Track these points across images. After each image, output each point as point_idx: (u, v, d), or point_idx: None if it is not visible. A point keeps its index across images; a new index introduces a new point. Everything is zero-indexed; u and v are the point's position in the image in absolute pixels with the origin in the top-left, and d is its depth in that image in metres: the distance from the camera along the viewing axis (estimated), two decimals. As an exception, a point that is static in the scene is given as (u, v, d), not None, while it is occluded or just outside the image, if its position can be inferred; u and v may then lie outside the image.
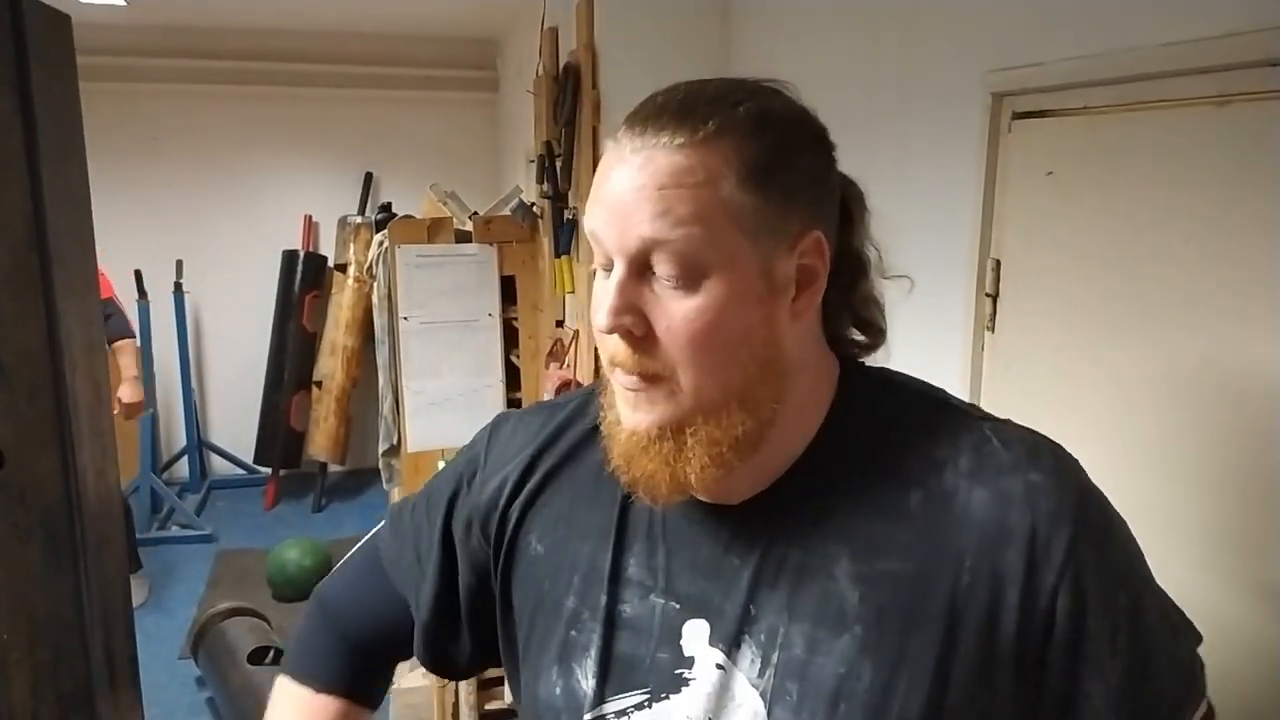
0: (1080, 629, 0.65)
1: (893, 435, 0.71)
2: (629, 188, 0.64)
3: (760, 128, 0.65)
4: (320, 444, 5.08)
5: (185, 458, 5.24)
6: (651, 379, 0.66)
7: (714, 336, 0.64)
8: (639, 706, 0.72)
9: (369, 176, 5.34)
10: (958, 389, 1.46)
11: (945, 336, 1.49)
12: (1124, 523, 0.70)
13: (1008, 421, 0.74)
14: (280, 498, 5.19)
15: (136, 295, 4.72)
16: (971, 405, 0.77)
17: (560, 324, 2.79)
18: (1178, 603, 0.73)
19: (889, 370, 0.78)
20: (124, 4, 4.00)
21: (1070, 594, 0.65)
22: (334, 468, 5.28)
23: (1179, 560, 1.08)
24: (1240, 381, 1.00)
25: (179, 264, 4.95)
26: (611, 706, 0.73)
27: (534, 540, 0.81)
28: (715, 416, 0.67)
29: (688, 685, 0.71)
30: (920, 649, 0.65)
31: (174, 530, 4.70)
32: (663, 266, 0.64)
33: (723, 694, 0.69)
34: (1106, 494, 0.71)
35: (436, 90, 5.26)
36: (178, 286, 4.97)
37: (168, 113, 5.06)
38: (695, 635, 0.72)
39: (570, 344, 2.58)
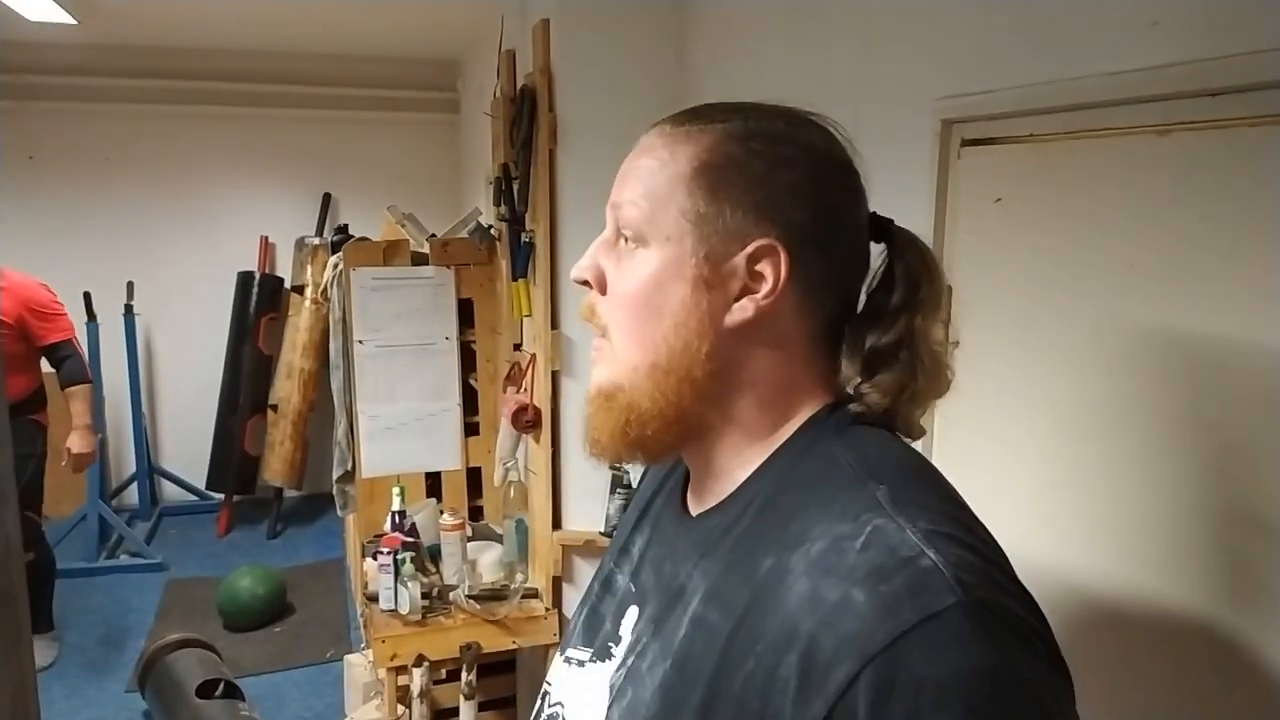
0: None
1: (800, 494, 0.67)
2: (628, 161, 0.74)
3: (737, 139, 0.70)
4: (276, 469, 4.99)
5: (135, 484, 5.11)
6: (599, 341, 0.75)
7: (639, 300, 0.71)
8: (582, 663, 0.81)
9: (327, 197, 5.29)
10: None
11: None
12: (1017, 705, 0.54)
13: (927, 524, 0.59)
14: (234, 524, 5.08)
15: (86, 318, 4.62)
16: (903, 488, 0.63)
17: (518, 347, 2.76)
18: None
19: (861, 437, 0.69)
20: (75, 22, 3.93)
21: None
22: (290, 493, 5.18)
23: (1124, 576, 1.08)
24: (1183, 404, 1.01)
25: (130, 285, 4.85)
26: (575, 654, 0.83)
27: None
28: (634, 384, 0.71)
29: (610, 658, 0.78)
30: (688, 704, 0.64)
31: (123, 559, 4.57)
32: (615, 230, 0.73)
33: (610, 675, 0.76)
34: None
35: (396, 111, 5.23)
36: (129, 309, 4.86)
37: (120, 132, 4.98)
38: (629, 620, 0.78)
39: (528, 368, 2.55)
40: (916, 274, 0.74)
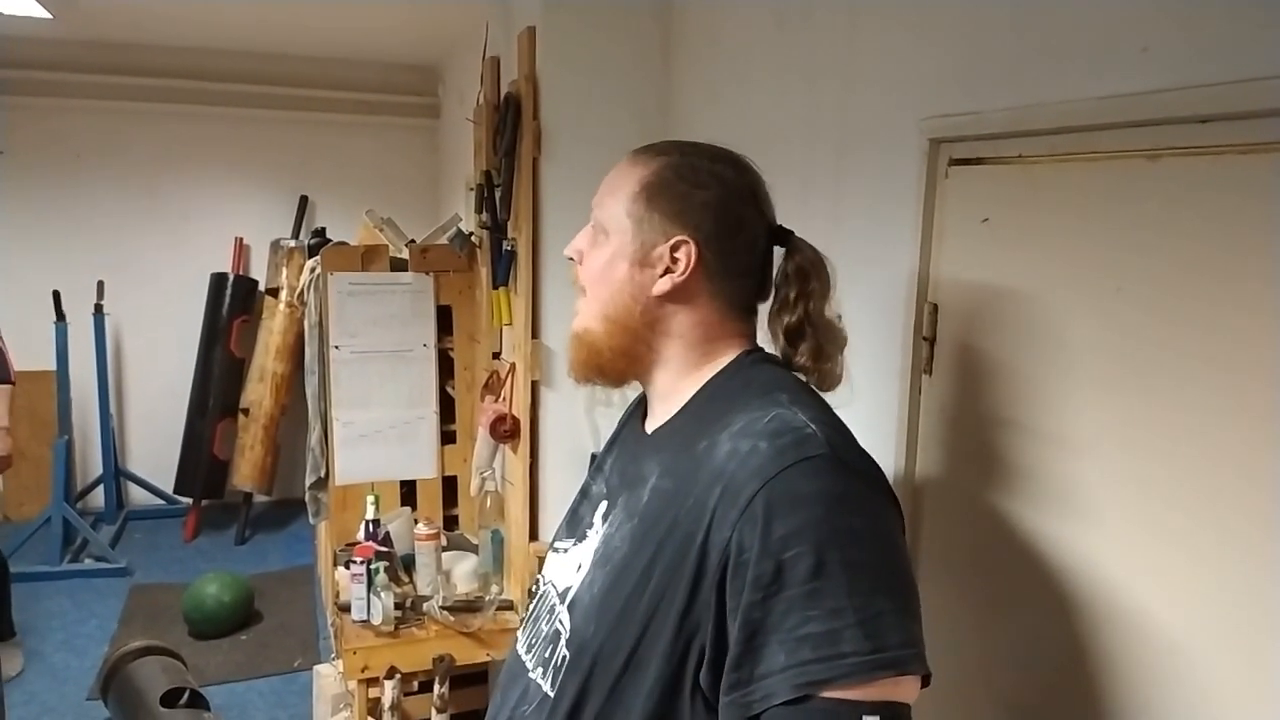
0: (741, 564, 0.83)
1: (724, 404, 0.98)
2: (608, 175, 1.07)
3: (671, 168, 1.03)
4: (245, 473, 4.92)
5: (101, 487, 5.02)
6: (583, 297, 1.07)
7: (600, 271, 1.04)
8: (566, 550, 1.11)
9: (304, 200, 5.24)
10: (894, 429, 1.46)
11: (883, 380, 1.49)
12: (858, 515, 0.85)
13: (812, 415, 0.91)
14: (201, 529, 5.01)
15: (55, 317, 4.54)
16: (798, 398, 0.95)
17: (497, 356, 2.74)
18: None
19: (771, 369, 1.03)
20: (50, 17, 3.86)
21: (743, 533, 0.83)
22: (259, 498, 5.11)
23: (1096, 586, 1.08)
24: (1168, 429, 1.01)
25: (100, 285, 4.78)
26: (560, 545, 1.14)
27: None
28: (596, 329, 1.05)
29: (585, 540, 1.08)
30: (651, 539, 0.93)
31: (87, 563, 4.48)
32: (594, 223, 1.06)
33: (590, 548, 1.05)
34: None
35: (376, 115, 5.20)
36: (98, 308, 4.79)
37: (94, 129, 4.91)
38: (599, 511, 1.09)
39: (507, 376, 2.53)
40: (807, 270, 1.05)
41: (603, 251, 1.03)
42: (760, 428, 0.90)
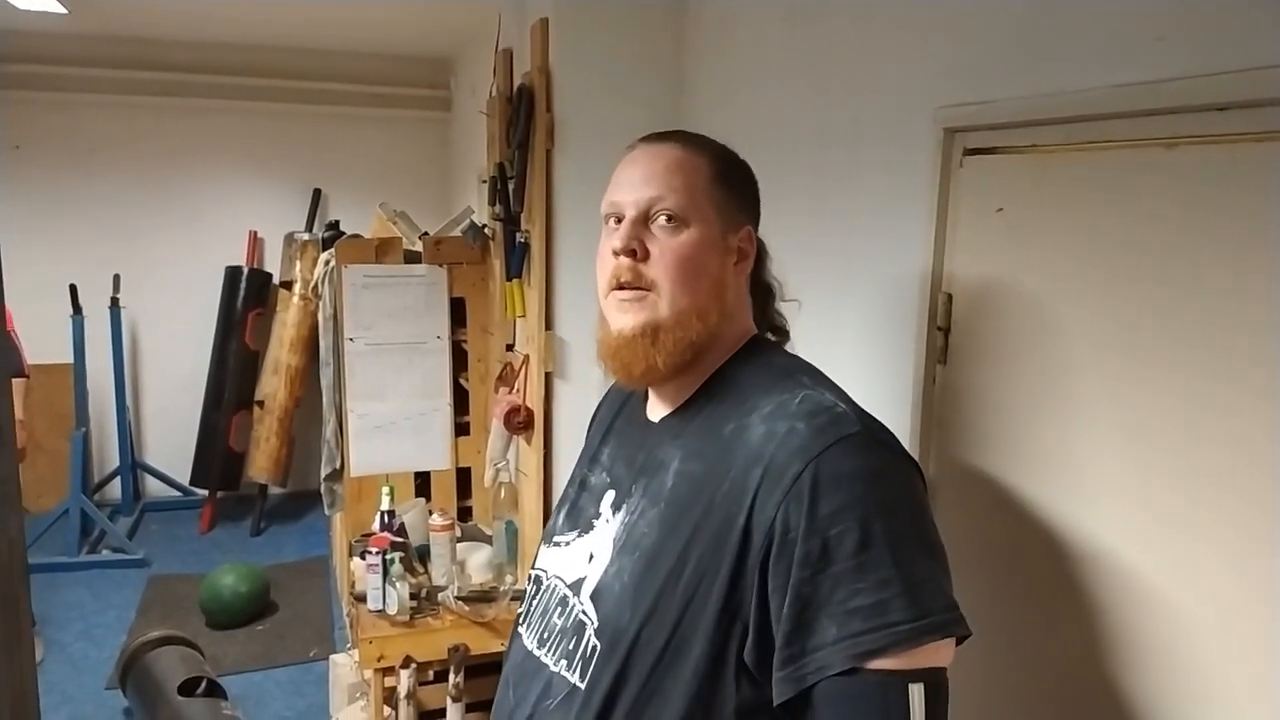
0: (787, 542, 0.86)
1: (746, 386, 1.01)
2: (646, 166, 1.02)
3: (724, 155, 1.07)
4: (261, 465, 4.95)
5: (118, 479, 5.06)
6: (641, 292, 1.00)
7: (689, 261, 1.00)
8: (568, 543, 1.12)
9: (317, 193, 5.26)
10: (909, 419, 1.46)
11: (898, 368, 1.49)
12: (895, 488, 0.89)
13: (836, 395, 0.95)
14: (217, 521, 5.04)
15: (71, 310, 4.58)
16: (818, 380, 1.00)
17: (510, 348, 2.75)
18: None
19: (783, 352, 1.10)
20: (65, 11, 3.89)
21: (789, 512, 0.86)
22: (274, 490, 5.14)
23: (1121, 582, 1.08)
24: (1184, 419, 1.01)
25: (116, 278, 4.81)
26: (560, 539, 1.14)
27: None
28: (681, 321, 1.00)
29: (593, 530, 1.08)
30: (685, 523, 0.95)
31: (104, 554, 4.52)
32: (661, 216, 1.00)
33: (605, 537, 1.05)
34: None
35: (388, 108, 5.20)
36: (114, 301, 4.82)
37: (108, 124, 4.93)
38: (607, 501, 1.09)
39: (520, 368, 2.54)
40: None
41: (684, 239, 0.99)
42: (794, 409, 0.92)
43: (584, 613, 1.02)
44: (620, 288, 1.01)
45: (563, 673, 1.01)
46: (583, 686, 0.98)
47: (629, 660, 0.94)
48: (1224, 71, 0.94)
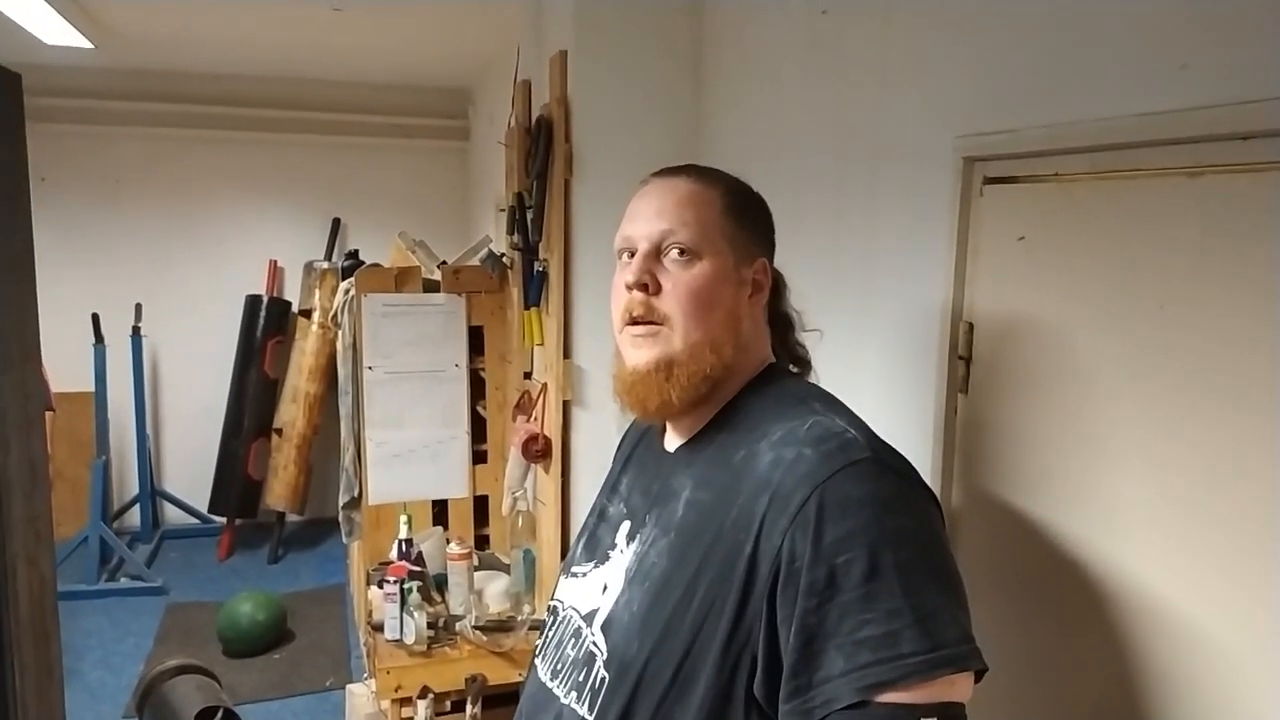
0: (793, 571, 0.84)
1: (757, 414, 1.00)
2: (658, 200, 1.03)
3: (737, 188, 1.08)
4: (279, 493, 4.97)
5: (137, 506, 5.08)
6: (654, 327, 1.00)
7: (701, 294, 0.99)
8: (585, 574, 1.11)
9: (336, 222, 5.31)
10: (930, 449, 1.45)
11: (919, 398, 1.48)
12: (906, 516, 0.86)
13: (847, 421, 0.94)
14: (235, 548, 5.06)
15: (94, 339, 4.62)
16: (831, 405, 0.99)
17: (528, 376, 2.75)
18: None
19: (797, 379, 1.11)
20: (91, 46, 3.96)
21: (795, 540, 0.84)
22: (292, 517, 5.15)
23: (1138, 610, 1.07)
24: (1210, 449, 1.00)
25: (138, 307, 4.86)
26: (578, 569, 1.14)
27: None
28: (695, 355, 0.99)
29: (609, 560, 1.08)
30: (694, 552, 0.94)
31: (123, 582, 4.55)
32: (674, 249, 1.00)
33: (618, 567, 1.05)
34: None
35: (407, 138, 5.27)
36: (136, 330, 4.87)
37: (132, 155, 5.01)
38: (622, 531, 1.09)
39: (539, 396, 2.54)
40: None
41: (697, 272, 0.99)
42: (802, 435, 0.91)
43: (594, 644, 1.01)
44: (634, 323, 1.01)
45: (572, 705, 1.00)
46: (591, 718, 0.97)
47: (637, 692, 0.93)
48: (1248, 101, 0.93)
